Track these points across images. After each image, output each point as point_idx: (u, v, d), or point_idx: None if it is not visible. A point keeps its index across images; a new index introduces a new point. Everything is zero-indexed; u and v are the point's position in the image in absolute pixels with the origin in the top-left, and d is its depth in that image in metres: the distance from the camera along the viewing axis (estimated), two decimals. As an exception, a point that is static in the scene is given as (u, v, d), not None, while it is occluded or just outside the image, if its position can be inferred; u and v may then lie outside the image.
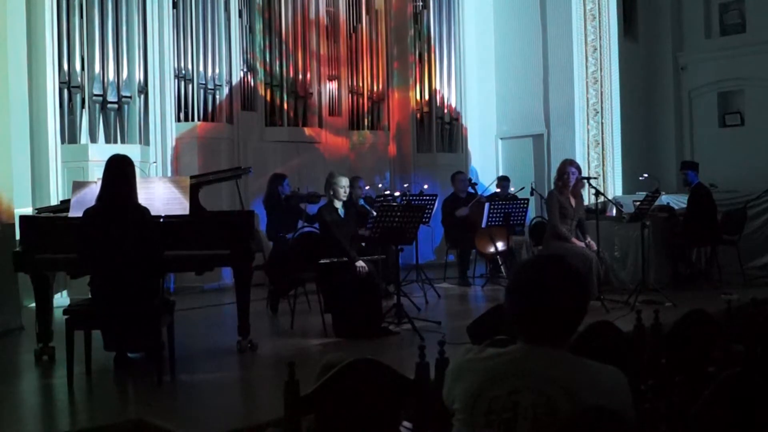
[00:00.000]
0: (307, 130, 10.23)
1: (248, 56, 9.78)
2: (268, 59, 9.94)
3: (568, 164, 7.32)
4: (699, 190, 8.48)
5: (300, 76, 10.13)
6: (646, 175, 9.51)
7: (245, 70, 9.71)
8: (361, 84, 11.05)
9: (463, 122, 11.88)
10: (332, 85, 10.70)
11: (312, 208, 7.42)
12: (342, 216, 6.44)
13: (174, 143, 9.05)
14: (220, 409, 4.16)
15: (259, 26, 9.87)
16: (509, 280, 2.06)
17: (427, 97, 11.52)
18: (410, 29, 11.45)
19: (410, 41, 11.44)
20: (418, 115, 11.46)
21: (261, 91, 9.86)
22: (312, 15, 10.32)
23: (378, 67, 11.25)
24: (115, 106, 8.44)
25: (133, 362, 5.12)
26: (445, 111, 11.66)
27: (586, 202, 8.18)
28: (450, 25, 11.79)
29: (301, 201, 7.87)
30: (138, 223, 4.63)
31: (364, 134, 11.06)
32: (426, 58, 11.53)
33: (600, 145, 11.27)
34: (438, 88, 11.58)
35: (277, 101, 10.01)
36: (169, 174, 8.74)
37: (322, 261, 6.20)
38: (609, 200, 9.23)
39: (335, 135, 10.63)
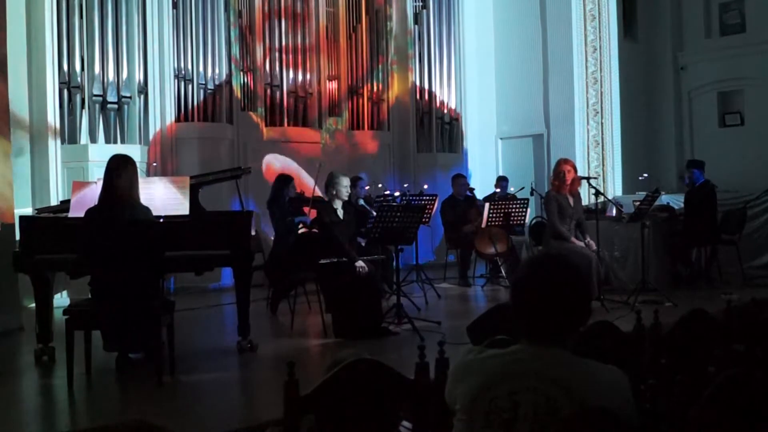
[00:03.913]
0: (307, 130, 10.23)
1: (248, 56, 9.78)
2: (268, 59, 9.94)
3: (563, 163, 7.34)
4: (703, 189, 8.47)
5: (300, 76, 10.13)
6: (646, 175, 9.51)
7: (245, 70, 9.71)
8: (361, 84, 11.05)
9: (463, 122, 11.89)
10: (332, 85, 10.70)
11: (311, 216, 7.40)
12: (341, 216, 6.44)
13: (174, 143, 9.05)
14: (220, 409, 4.16)
15: (259, 26, 9.87)
16: (514, 277, 2.07)
17: (427, 97, 11.52)
18: (410, 29, 11.45)
19: (410, 41, 11.44)
20: (418, 115, 11.46)
21: (261, 91, 9.86)
22: (312, 15, 10.33)
23: (378, 67, 11.25)
24: (115, 106, 8.44)
25: (134, 362, 5.11)
26: (445, 111, 11.67)
27: (585, 202, 8.17)
28: (450, 25, 11.78)
29: (305, 205, 7.82)
30: (139, 223, 4.63)
31: (363, 133, 11.06)
32: (426, 58, 11.53)
33: (600, 145, 11.28)
34: (438, 88, 11.58)
35: (277, 101, 10.01)
36: (169, 174, 8.74)
37: (322, 261, 6.20)
38: (609, 200, 9.22)
39: (334, 135, 10.63)
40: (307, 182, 9.55)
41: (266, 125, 9.91)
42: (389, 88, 11.38)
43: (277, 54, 9.99)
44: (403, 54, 11.45)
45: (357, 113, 11.03)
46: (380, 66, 11.27)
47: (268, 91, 9.94)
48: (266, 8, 9.92)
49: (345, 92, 10.82)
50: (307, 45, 10.24)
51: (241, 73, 9.63)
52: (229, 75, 9.37)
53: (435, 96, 11.54)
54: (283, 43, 10.03)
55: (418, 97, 11.47)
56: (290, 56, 10.07)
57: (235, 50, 9.49)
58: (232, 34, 9.45)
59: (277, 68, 9.98)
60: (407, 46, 11.43)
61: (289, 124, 10.06)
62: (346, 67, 10.83)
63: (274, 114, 10.01)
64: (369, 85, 11.15)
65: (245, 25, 9.76)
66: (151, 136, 8.84)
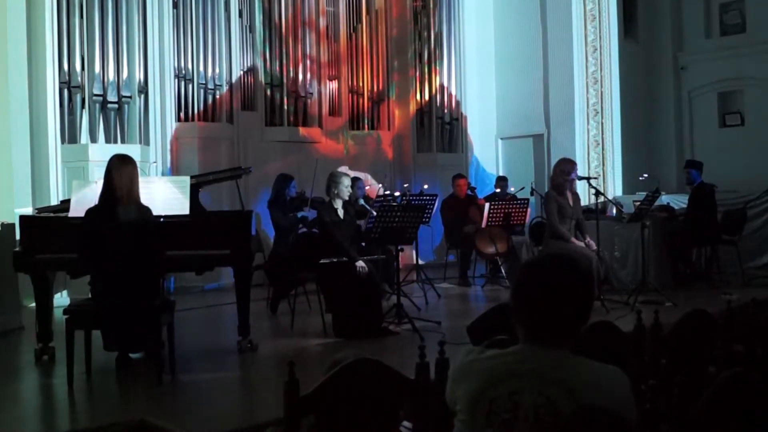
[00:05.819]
0: (307, 130, 10.23)
1: (248, 56, 9.78)
2: (268, 59, 9.94)
3: (568, 163, 7.33)
4: (700, 190, 8.47)
5: (300, 76, 10.13)
6: (646, 175, 9.51)
7: (245, 70, 9.71)
8: (361, 84, 11.05)
9: (463, 122, 11.88)
10: (332, 85, 10.70)
11: (313, 213, 7.39)
12: (341, 216, 6.44)
13: (174, 143, 9.05)
14: (220, 409, 4.16)
15: (259, 26, 9.87)
16: (515, 278, 2.06)
17: (427, 97, 11.52)
18: (410, 29, 11.45)
19: (410, 41, 11.44)
20: (418, 115, 11.46)
21: (261, 91, 9.86)
22: (312, 15, 10.33)
23: (378, 67, 11.25)
24: (115, 105, 8.44)
25: (134, 362, 5.11)
26: (445, 111, 11.66)
27: (585, 202, 8.16)
28: (450, 25, 11.78)
29: (304, 205, 7.80)
30: (139, 222, 4.63)
31: (363, 134, 11.07)
32: (426, 59, 11.53)
33: (600, 145, 11.28)
34: (438, 88, 11.58)
35: (277, 101, 10.01)
36: (169, 174, 8.74)
37: (322, 261, 6.20)
38: (609, 200, 9.22)
39: (335, 135, 10.63)
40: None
41: (266, 125, 9.91)
42: (389, 87, 11.38)
43: (277, 54, 9.99)
44: (403, 54, 11.45)
45: (357, 113, 11.03)
46: (380, 66, 11.27)
47: (268, 91, 9.94)
48: (266, 8, 9.92)
49: (345, 92, 10.82)
50: (307, 45, 10.23)
51: (241, 72, 9.62)
52: (229, 75, 9.37)
53: (435, 96, 11.54)
54: (283, 43, 10.02)
55: (418, 97, 11.46)
56: (291, 56, 10.07)
57: (236, 50, 9.49)
58: (232, 34, 9.44)
59: (277, 68, 9.98)
60: (407, 47, 11.42)
61: (289, 124, 10.06)
62: (346, 67, 10.83)
63: (274, 114, 10.01)
64: (369, 85, 11.15)
65: (245, 25, 9.76)
66: (151, 136, 8.83)
